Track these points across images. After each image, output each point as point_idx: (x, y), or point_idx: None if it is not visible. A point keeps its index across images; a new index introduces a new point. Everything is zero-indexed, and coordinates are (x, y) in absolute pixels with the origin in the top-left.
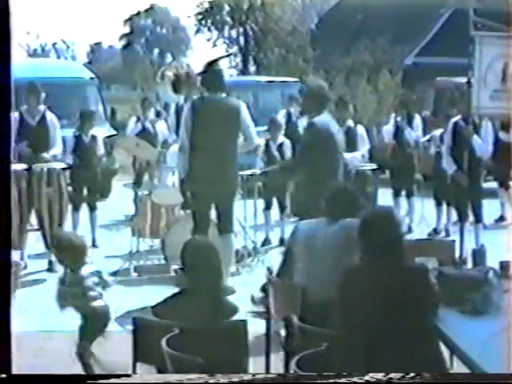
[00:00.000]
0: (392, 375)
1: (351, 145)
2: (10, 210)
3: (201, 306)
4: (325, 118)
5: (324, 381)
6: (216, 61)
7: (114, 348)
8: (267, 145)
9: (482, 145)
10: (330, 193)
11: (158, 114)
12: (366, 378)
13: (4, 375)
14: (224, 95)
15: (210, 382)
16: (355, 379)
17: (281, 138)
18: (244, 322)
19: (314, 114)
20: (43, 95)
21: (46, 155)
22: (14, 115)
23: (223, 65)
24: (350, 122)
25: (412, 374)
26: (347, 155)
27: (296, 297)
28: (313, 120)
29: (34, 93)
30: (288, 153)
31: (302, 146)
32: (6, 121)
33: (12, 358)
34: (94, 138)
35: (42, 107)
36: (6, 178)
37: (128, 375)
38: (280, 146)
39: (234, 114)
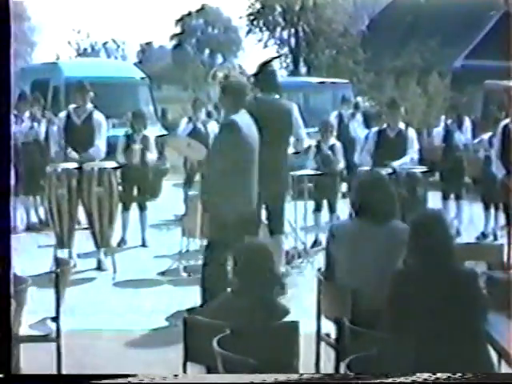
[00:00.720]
0: (438, 375)
1: (401, 147)
2: (8, 206)
3: (252, 306)
4: (243, 117)
5: (370, 381)
6: (269, 62)
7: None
8: (319, 146)
9: None
10: (368, 193)
11: (209, 115)
12: (412, 378)
13: (3, 375)
14: (277, 96)
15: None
16: (401, 379)
17: (332, 140)
18: (296, 323)
19: (232, 111)
20: (91, 94)
21: (87, 154)
22: (61, 115)
23: (275, 66)
24: (402, 125)
25: (458, 374)
26: (395, 163)
27: (346, 299)
28: (231, 117)
29: (81, 92)
30: (339, 155)
31: (216, 142)
32: (6, 122)
33: (17, 358)
34: (145, 137)
35: (89, 106)
36: (6, 183)
37: (134, 375)
38: (331, 148)
39: (287, 115)
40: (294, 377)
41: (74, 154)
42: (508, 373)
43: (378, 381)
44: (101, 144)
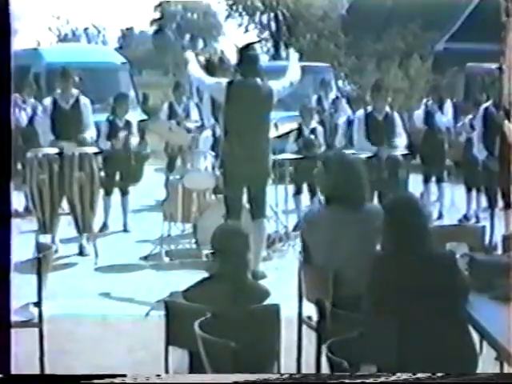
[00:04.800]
0: (419, 375)
1: (390, 130)
2: (9, 198)
3: (231, 290)
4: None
5: (352, 381)
6: (249, 46)
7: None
8: (300, 130)
9: None
10: (336, 178)
11: (189, 99)
12: (393, 377)
13: (3, 375)
14: (258, 79)
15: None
16: (382, 379)
17: (313, 124)
18: (276, 306)
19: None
20: (76, 79)
21: (81, 137)
22: (47, 100)
23: (257, 50)
24: (387, 108)
25: (440, 374)
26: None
27: (327, 281)
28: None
29: (66, 78)
30: (320, 138)
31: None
32: (6, 117)
33: (11, 357)
34: (128, 122)
35: (75, 91)
36: (7, 179)
37: (124, 375)
38: (313, 132)
39: (267, 96)
40: (275, 376)
41: (78, 137)
42: (487, 373)
43: (360, 381)
44: (93, 128)
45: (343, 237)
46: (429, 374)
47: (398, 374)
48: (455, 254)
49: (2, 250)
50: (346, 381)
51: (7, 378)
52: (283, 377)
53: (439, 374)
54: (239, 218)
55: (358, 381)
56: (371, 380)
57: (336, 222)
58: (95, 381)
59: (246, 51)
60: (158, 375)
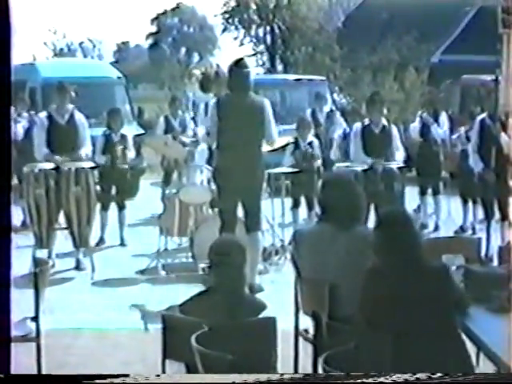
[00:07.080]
0: (419, 375)
1: (387, 142)
2: (9, 206)
3: (227, 303)
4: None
5: (352, 381)
6: (240, 61)
7: (143, 344)
8: (296, 143)
9: (510, 142)
10: (330, 196)
11: (185, 113)
12: (393, 377)
13: (3, 375)
14: (249, 93)
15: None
16: (382, 379)
17: (310, 137)
18: (273, 318)
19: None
20: (72, 94)
21: (77, 154)
22: (42, 115)
23: (250, 64)
24: (384, 121)
25: (439, 374)
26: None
27: (324, 294)
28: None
29: (62, 92)
30: (317, 151)
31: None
32: (6, 126)
33: (11, 358)
34: (123, 137)
35: (70, 106)
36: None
37: (126, 375)
38: (309, 145)
39: (259, 111)
40: (275, 377)
41: (75, 154)
42: (484, 372)
43: (359, 381)
44: (88, 144)
45: (333, 254)
46: (428, 374)
47: (399, 375)
48: (448, 266)
49: (2, 263)
50: (346, 381)
51: (8, 377)
52: (284, 377)
53: (439, 374)
54: (233, 230)
55: (359, 381)
56: (371, 380)
57: (326, 239)
58: (97, 381)
59: (236, 67)
60: (158, 375)
